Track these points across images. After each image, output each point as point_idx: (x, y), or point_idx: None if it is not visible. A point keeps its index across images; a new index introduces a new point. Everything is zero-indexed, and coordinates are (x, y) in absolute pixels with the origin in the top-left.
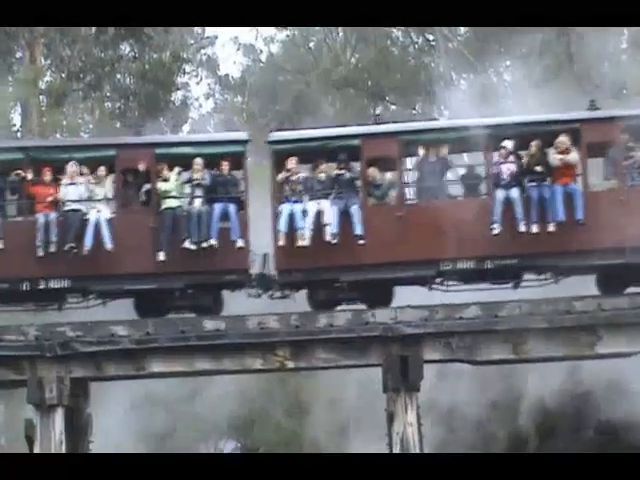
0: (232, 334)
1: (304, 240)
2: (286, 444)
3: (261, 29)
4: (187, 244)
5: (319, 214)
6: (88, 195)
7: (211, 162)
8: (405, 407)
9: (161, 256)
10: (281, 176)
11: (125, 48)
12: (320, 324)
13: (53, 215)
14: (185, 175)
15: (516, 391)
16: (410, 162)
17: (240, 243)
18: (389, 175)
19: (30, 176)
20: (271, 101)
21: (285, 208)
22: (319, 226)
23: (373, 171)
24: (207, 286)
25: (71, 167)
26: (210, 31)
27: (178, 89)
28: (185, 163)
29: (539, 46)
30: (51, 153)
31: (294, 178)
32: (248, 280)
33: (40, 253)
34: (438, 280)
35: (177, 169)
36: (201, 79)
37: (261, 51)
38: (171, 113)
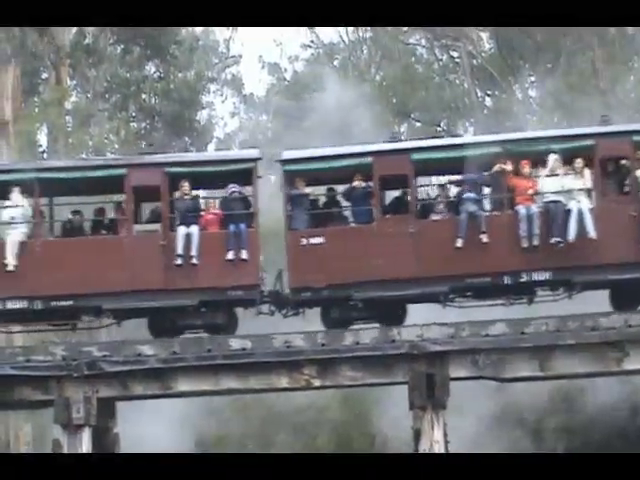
0: (258, 353)
1: None
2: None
3: (285, 47)
4: None
5: None
6: (568, 186)
7: None
8: (432, 425)
9: None
10: None
11: (150, 68)
12: (346, 342)
13: (534, 207)
14: None
15: None
16: None
17: None
18: None
19: (510, 169)
20: (296, 119)
21: None
22: None
23: None
24: None
25: (551, 159)
26: (235, 50)
27: (203, 108)
28: None
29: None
30: (529, 145)
31: None
32: None
33: (524, 245)
34: None
35: None
36: (226, 98)
37: (286, 69)
38: (196, 132)
